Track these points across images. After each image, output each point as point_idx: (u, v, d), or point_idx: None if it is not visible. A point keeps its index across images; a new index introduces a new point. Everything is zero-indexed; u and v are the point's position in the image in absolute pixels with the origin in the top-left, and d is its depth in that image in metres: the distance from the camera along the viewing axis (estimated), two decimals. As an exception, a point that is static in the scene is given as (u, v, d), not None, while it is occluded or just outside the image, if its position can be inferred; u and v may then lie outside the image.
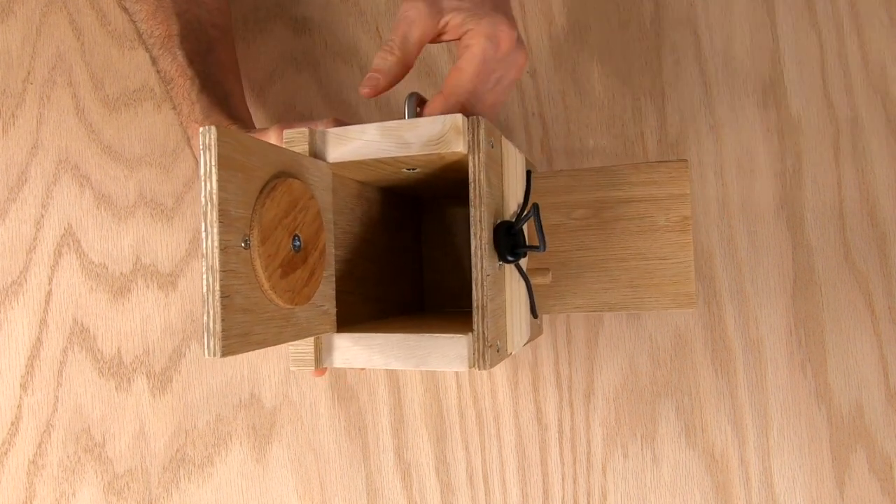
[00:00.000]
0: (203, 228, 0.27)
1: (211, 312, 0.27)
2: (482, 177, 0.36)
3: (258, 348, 0.29)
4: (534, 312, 0.46)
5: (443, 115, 0.37)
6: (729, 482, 0.57)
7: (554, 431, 0.57)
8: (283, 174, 0.32)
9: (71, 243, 0.58)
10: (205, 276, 0.27)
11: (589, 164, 0.59)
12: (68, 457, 0.57)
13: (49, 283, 0.58)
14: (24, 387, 0.57)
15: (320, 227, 0.35)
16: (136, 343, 0.58)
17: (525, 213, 0.46)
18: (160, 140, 0.58)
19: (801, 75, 0.60)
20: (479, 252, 0.36)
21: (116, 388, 0.58)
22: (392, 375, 0.59)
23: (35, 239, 0.58)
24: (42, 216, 0.58)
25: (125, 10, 0.53)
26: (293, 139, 0.37)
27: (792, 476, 0.57)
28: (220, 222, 0.27)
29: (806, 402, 0.58)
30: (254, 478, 0.57)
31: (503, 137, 0.42)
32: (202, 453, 0.57)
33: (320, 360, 0.38)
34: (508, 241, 0.41)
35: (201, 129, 0.27)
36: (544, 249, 0.43)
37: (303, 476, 0.57)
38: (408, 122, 0.37)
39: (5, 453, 0.57)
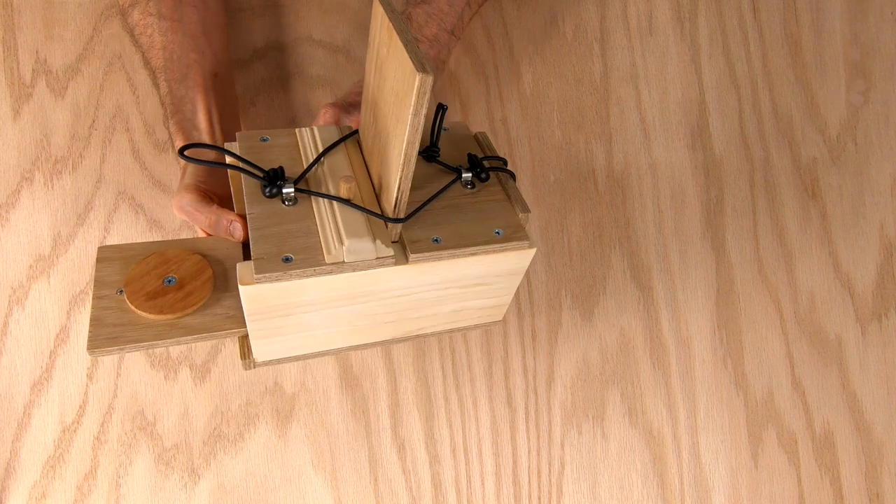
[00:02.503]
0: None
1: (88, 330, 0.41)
2: None
3: (135, 345, 0.42)
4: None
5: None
6: (664, 455, 0.62)
7: (521, 412, 0.62)
8: (167, 249, 0.46)
9: None
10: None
11: (550, 196, 0.65)
12: (125, 433, 0.62)
13: None
14: (89, 377, 0.63)
15: (203, 268, 0.45)
16: None
17: None
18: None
19: (723, 123, 0.66)
20: None
21: (165, 377, 0.63)
22: (390, 367, 0.63)
23: None
24: (105, 238, 0.65)
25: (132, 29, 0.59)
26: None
27: (715, 450, 0.62)
28: (95, 287, 0.44)
29: (727, 389, 0.63)
30: (277, 451, 0.62)
31: None
32: (235, 431, 0.62)
33: (247, 354, 0.44)
34: None
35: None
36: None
37: (317, 450, 0.62)
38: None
39: (74, 431, 0.62)
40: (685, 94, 0.67)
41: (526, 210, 0.45)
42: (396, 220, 0.40)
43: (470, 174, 0.45)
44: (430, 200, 0.42)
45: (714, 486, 0.62)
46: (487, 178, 0.45)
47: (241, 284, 0.37)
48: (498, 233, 0.43)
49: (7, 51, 0.68)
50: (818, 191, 0.66)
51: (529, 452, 0.63)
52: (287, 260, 0.38)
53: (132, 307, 0.43)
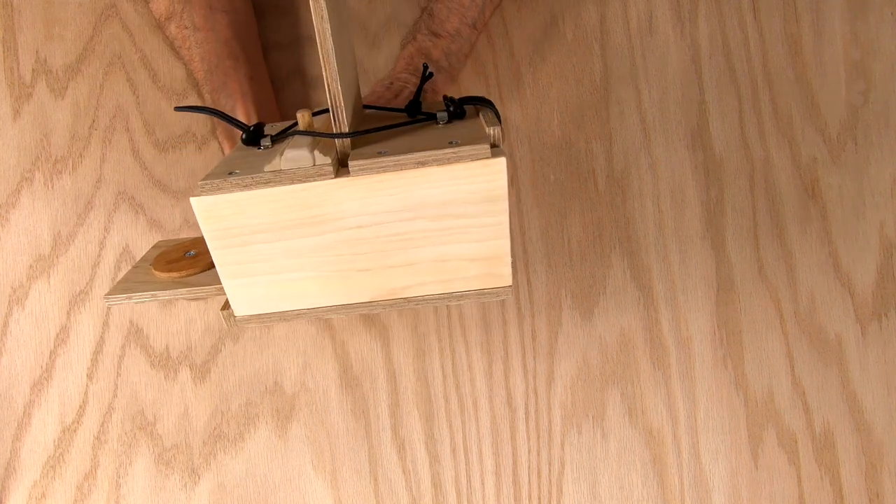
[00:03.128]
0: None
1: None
2: None
3: (140, 294, 0.48)
4: None
5: None
6: (664, 455, 0.62)
7: (521, 412, 0.63)
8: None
9: (128, 260, 0.64)
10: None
11: (550, 196, 0.65)
12: (125, 433, 0.62)
13: None
14: (89, 377, 0.63)
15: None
16: (181, 341, 0.64)
17: None
18: (200, 175, 0.64)
19: (723, 122, 0.65)
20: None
21: (165, 377, 0.63)
22: (390, 367, 0.63)
23: (99, 256, 0.65)
24: (105, 237, 0.65)
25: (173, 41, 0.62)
26: None
27: (715, 449, 0.62)
28: (138, 262, 0.53)
29: (727, 389, 0.63)
30: (277, 451, 0.62)
31: None
32: (235, 431, 0.62)
33: (227, 305, 0.45)
34: None
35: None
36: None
37: (317, 450, 0.62)
38: None
39: (74, 431, 0.62)
40: (685, 94, 0.66)
41: (494, 123, 0.39)
42: (340, 135, 0.38)
43: (445, 113, 0.42)
44: (386, 128, 0.41)
45: (714, 486, 0.62)
46: (462, 113, 0.42)
47: (191, 198, 0.38)
48: (453, 142, 0.38)
49: (7, 51, 0.68)
50: (818, 191, 0.66)
51: (529, 452, 0.63)
52: (231, 174, 0.38)
53: (151, 269, 0.51)
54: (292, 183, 0.38)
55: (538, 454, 0.63)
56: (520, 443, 0.63)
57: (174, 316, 0.65)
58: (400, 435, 0.63)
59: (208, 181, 0.38)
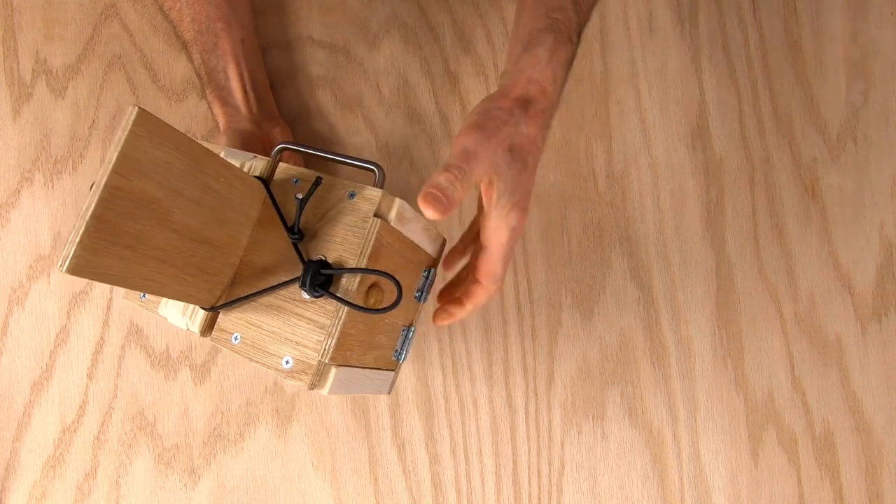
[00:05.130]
0: None
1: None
2: None
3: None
4: None
5: None
6: (664, 455, 0.62)
7: (521, 413, 0.62)
8: None
9: None
10: None
11: (550, 196, 0.65)
12: (125, 433, 0.62)
13: (110, 292, 0.64)
14: (90, 376, 0.63)
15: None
16: (181, 341, 0.63)
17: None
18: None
19: (723, 122, 0.66)
20: None
21: (165, 377, 0.63)
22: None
23: None
24: None
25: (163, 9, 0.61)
26: None
27: (715, 449, 0.62)
28: None
29: (727, 389, 0.63)
30: (277, 451, 0.62)
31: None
32: (235, 431, 0.62)
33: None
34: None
35: None
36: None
37: (317, 450, 0.62)
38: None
39: (74, 431, 0.62)
40: (685, 94, 0.67)
41: (333, 334, 0.40)
42: (207, 308, 0.44)
43: (303, 289, 0.40)
44: (241, 299, 0.43)
45: (714, 486, 0.62)
46: (319, 295, 0.40)
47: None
48: (287, 362, 0.41)
49: (7, 51, 0.68)
50: (818, 191, 0.66)
51: (529, 452, 0.63)
52: (143, 296, 0.49)
53: None
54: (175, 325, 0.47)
55: (538, 454, 0.63)
56: (520, 443, 0.63)
57: (174, 316, 0.65)
58: (400, 435, 0.63)
59: (126, 297, 0.49)
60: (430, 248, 0.48)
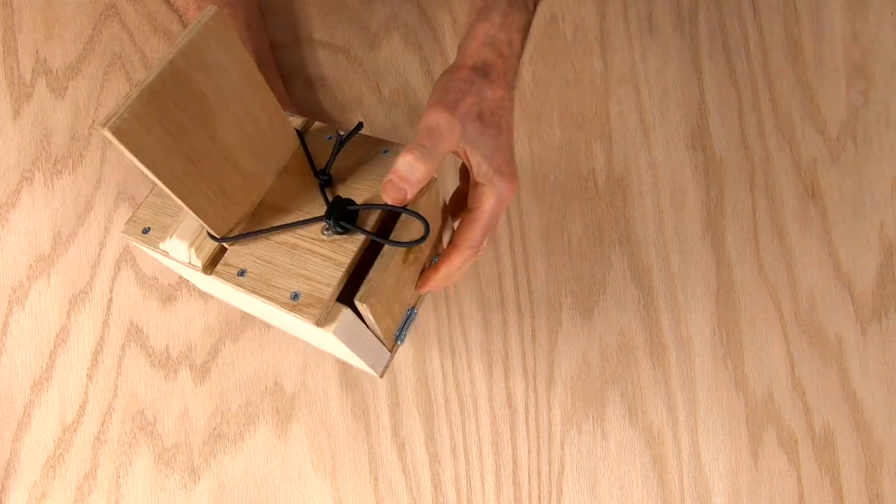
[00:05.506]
0: None
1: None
2: None
3: None
4: None
5: None
6: (664, 455, 0.62)
7: (521, 412, 0.62)
8: None
9: (128, 259, 0.65)
10: None
11: (550, 196, 0.66)
12: (125, 433, 0.62)
13: (110, 292, 0.64)
14: (90, 377, 0.63)
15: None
16: (181, 341, 0.64)
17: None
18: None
19: (723, 122, 0.65)
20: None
21: (165, 377, 0.63)
22: (390, 367, 0.61)
23: (99, 256, 0.65)
24: (104, 237, 0.65)
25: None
26: None
27: (715, 450, 0.62)
28: None
29: (727, 389, 0.63)
30: (277, 451, 0.62)
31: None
32: (235, 431, 0.62)
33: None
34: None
35: None
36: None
37: (316, 450, 0.62)
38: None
39: (74, 431, 0.62)
40: (685, 94, 0.67)
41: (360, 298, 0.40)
42: (215, 239, 0.43)
43: (328, 222, 0.40)
44: (258, 232, 0.42)
45: (714, 486, 0.62)
46: (343, 231, 0.40)
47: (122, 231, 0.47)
48: (295, 296, 0.40)
49: (7, 51, 0.68)
50: (818, 191, 0.66)
51: (529, 452, 0.63)
52: (145, 231, 0.46)
53: None
54: (175, 262, 0.46)
55: (538, 454, 0.62)
56: (520, 443, 0.62)
57: (174, 315, 0.65)
58: (400, 435, 0.63)
59: (129, 234, 0.47)
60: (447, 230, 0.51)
